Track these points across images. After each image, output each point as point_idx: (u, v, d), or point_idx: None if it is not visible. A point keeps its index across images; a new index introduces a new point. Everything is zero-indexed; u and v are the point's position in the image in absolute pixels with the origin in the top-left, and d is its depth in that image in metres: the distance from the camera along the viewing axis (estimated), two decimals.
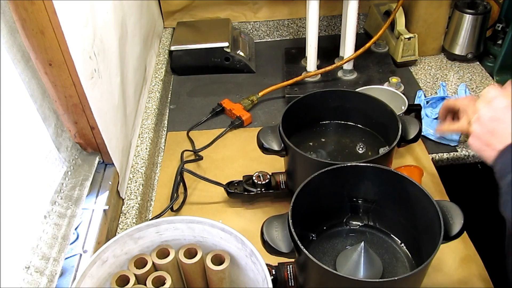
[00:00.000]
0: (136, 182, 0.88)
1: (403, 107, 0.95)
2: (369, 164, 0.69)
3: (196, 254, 0.62)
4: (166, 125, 1.14)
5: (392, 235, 0.74)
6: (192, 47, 1.26)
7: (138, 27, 1.06)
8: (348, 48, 1.13)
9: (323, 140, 0.90)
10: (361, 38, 1.31)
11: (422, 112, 1.07)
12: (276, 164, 0.92)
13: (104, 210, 0.73)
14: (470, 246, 0.81)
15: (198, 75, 1.29)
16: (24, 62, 0.61)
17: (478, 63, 1.28)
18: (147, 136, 0.99)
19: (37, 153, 0.64)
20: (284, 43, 1.41)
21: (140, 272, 0.60)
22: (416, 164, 0.95)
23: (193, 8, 1.38)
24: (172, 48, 1.27)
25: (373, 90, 0.99)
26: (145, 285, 0.59)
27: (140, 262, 0.61)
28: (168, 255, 0.61)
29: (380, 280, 0.65)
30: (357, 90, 0.92)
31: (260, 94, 1.16)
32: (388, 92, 1.00)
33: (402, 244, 0.73)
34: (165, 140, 1.09)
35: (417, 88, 1.17)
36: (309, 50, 1.14)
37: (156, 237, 0.63)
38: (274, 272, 0.71)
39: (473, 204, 0.85)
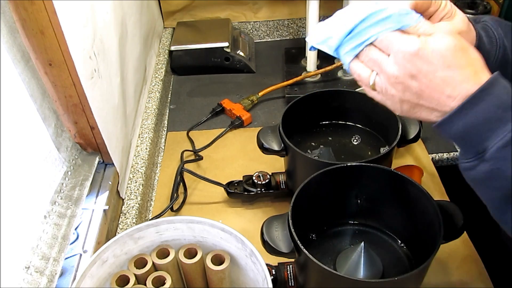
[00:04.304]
0: (136, 182, 0.88)
1: None
2: (369, 164, 0.69)
3: (196, 254, 0.62)
4: (166, 125, 1.14)
5: (392, 235, 0.74)
6: (192, 47, 1.26)
7: (138, 27, 1.06)
8: None
9: (323, 140, 0.90)
10: None
11: None
12: (276, 164, 0.92)
13: (104, 210, 0.73)
14: (470, 246, 0.81)
15: (198, 75, 1.29)
16: (24, 62, 0.61)
17: None
18: (147, 136, 0.99)
19: (37, 153, 0.64)
20: (284, 43, 1.41)
21: (140, 272, 0.60)
22: (416, 164, 0.95)
23: (193, 8, 1.38)
24: (172, 48, 1.27)
25: None
26: (145, 285, 0.59)
27: (140, 262, 0.61)
28: (168, 255, 0.61)
29: (380, 280, 0.65)
30: (357, 90, 0.92)
31: (260, 94, 1.15)
32: None
33: (402, 244, 0.73)
34: (165, 140, 1.09)
35: None
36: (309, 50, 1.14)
37: (156, 237, 0.63)
38: (274, 272, 0.71)
39: (473, 204, 0.85)
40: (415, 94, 0.48)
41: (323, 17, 1.41)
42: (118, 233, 0.79)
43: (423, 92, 0.47)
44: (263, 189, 0.88)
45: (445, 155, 1.00)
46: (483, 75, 0.46)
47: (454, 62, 0.45)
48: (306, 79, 1.16)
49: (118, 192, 0.82)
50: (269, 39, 1.45)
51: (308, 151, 0.88)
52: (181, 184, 0.94)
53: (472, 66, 0.46)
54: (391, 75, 0.48)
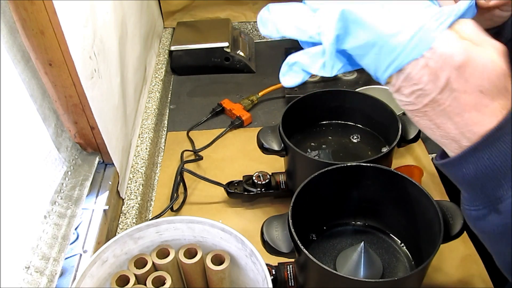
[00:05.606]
0: (136, 182, 0.88)
1: None
2: (369, 164, 0.69)
3: (196, 254, 0.62)
4: (166, 125, 1.14)
5: (392, 235, 0.74)
6: (192, 47, 1.26)
7: (138, 27, 1.06)
8: None
9: (323, 140, 0.90)
10: None
11: None
12: (276, 164, 0.92)
13: (104, 210, 0.73)
14: (470, 246, 0.81)
15: (198, 75, 1.29)
16: (24, 62, 0.61)
17: None
18: (147, 136, 0.99)
19: (37, 153, 0.64)
20: (284, 43, 1.41)
21: (140, 272, 0.60)
22: (416, 164, 0.95)
23: (193, 8, 1.38)
24: (172, 48, 1.27)
25: (373, 90, 0.99)
26: (145, 285, 0.60)
27: (140, 262, 0.61)
28: (168, 255, 0.61)
29: (380, 280, 0.65)
30: (357, 90, 0.92)
31: (260, 94, 1.15)
32: (388, 92, 0.99)
33: (402, 244, 0.73)
34: (165, 140, 1.09)
35: None
36: None
37: (156, 237, 0.63)
38: (274, 272, 0.71)
39: None
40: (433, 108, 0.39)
41: None
42: (118, 233, 0.79)
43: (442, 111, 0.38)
44: (263, 189, 0.88)
45: None
46: (507, 111, 0.38)
47: (490, 89, 0.37)
48: None
49: (118, 192, 0.82)
50: (269, 39, 1.45)
51: (308, 151, 0.88)
52: (181, 184, 0.94)
53: (506, 98, 0.38)
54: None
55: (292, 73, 0.44)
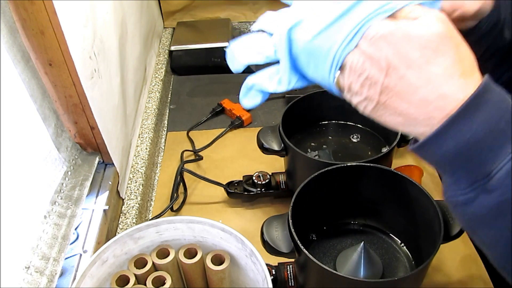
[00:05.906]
0: (136, 182, 0.88)
1: None
2: (369, 164, 0.69)
3: (196, 254, 0.62)
4: (166, 125, 1.14)
5: (392, 235, 0.74)
6: (192, 47, 1.26)
7: (138, 27, 1.06)
8: None
9: (323, 140, 0.90)
10: None
11: None
12: (276, 164, 0.92)
13: (104, 210, 0.73)
14: (470, 246, 0.81)
15: (198, 75, 1.29)
16: (24, 62, 0.61)
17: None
18: (147, 136, 0.99)
19: (37, 153, 0.64)
20: None
21: (140, 272, 0.60)
22: (416, 164, 0.95)
23: (193, 8, 1.38)
24: (172, 48, 1.27)
25: None
26: (145, 285, 0.60)
27: (140, 262, 0.61)
28: (168, 255, 0.61)
29: (380, 280, 0.65)
30: None
31: None
32: None
33: (402, 244, 0.73)
34: (165, 140, 1.09)
35: None
36: None
37: (156, 237, 0.63)
38: (274, 272, 0.71)
39: None
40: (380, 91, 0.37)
41: None
42: (118, 233, 0.79)
43: (391, 93, 0.36)
44: (263, 189, 0.88)
45: None
46: (471, 79, 0.35)
47: (435, 56, 0.34)
48: None
49: (118, 192, 0.82)
50: None
51: (308, 151, 0.88)
52: (181, 184, 0.94)
53: (459, 64, 0.35)
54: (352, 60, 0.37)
55: (251, 95, 0.45)
